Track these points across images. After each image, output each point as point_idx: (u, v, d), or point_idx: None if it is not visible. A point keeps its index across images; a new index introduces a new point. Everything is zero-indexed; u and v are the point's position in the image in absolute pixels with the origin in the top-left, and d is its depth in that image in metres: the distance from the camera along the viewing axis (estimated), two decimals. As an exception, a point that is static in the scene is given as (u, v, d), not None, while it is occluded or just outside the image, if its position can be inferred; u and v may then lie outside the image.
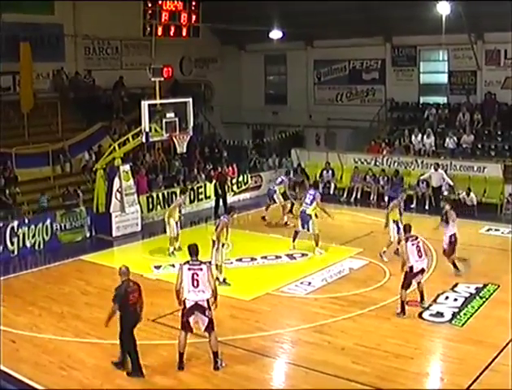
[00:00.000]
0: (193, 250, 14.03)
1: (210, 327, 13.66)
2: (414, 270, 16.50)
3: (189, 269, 13.61)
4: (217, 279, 17.90)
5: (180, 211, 22.58)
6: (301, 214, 22.38)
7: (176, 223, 22.15)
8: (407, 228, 17.23)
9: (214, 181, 29.74)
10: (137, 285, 13.52)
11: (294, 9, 33.11)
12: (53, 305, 14.43)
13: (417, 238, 16.88)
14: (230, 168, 32.10)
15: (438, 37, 30.49)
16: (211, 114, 39.55)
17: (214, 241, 18.76)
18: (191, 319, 13.63)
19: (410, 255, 16.51)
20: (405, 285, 16.50)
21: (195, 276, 13.52)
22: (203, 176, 30.67)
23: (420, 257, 16.66)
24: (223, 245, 18.82)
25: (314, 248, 21.96)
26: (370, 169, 31.49)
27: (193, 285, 13.52)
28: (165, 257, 21.52)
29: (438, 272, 19.72)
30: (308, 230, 22.06)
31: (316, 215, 22.39)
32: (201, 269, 13.62)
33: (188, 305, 13.57)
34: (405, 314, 16.28)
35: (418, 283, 16.95)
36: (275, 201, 26.80)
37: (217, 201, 29.19)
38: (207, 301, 13.64)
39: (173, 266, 20.61)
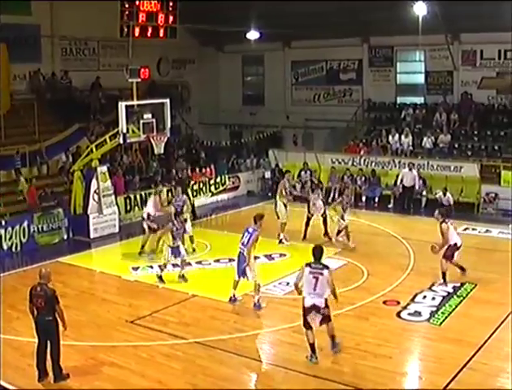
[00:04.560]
0: (318, 253, 14.05)
1: (325, 321, 13.87)
2: (305, 305, 13.81)
3: (311, 272, 13.73)
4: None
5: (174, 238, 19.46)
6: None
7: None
8: (316, 253, 14.09)
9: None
10: (46, 293, 13.05)
11: (271, 10, 33.10)
12: (31, 307, 14.39)
13: (323, 268, 13.84)
14: (208, 169, 32.15)
15: (415, 38, 30.67)
16: (189, 115, 39.59)
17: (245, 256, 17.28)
18: (308, 318, 13.79)
19: (304, 285, 13.89)
20: (303, 323, 13.99)
21: (314, 280, 13.68)
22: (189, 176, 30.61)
23: (315, 290, 13.72)
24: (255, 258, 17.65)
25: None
26: (348, 169, 31.50)
27: (313, 289, 13.68)
28: (143, 259, 21.44)
29: (415, 272, 19.85)
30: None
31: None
32: (322, 273, 13.70)
33: (306, 306, 13.79)
34: (316, 358, 13.88)
35: (323, 323, 13.96)
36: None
37: None
38: (325, 301, 13.76)
39: (151, 267, 20.62)
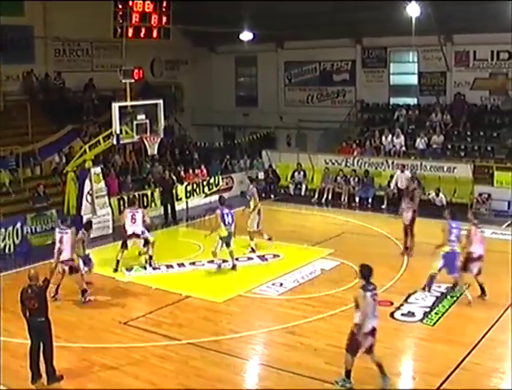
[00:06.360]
0: (368, 273, 12.76)
1: (372, 348, 12.78)
2: (365, 330, 12.57)
3: (372, 295, 12.59)
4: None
5: (84, 248, 18.87)
6: (449, 255, 17.73)
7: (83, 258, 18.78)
8: (366, 273, 12.83)
9: (158, 187, 29.23)
10: (37, 293, 13.01)
11: (264, 11, 33.14)
12: (24, 309, 14.37)
13: (376, 288, 12.82)
14: (201, 170, 32.14)
15: (408, 39, 30.72)
16: (182, 116, 39.55)
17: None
18: (365, 342, 12.61)
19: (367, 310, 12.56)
20: (353, 348, 12.73)
21: (374, 302, 12.69)
22: (174, 178, 30.50)
23: (374, 313, 12.72)
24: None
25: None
26: (341, 170, 31.60)
27: (373, 312, 12.64)
28: (136, 260, 21.36)
29: (409, 272, 19.87)
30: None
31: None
32: (377, 294, 12.81)
33: (366, 330, 12.53)
34: (350, 382, 12.84)
35: (369, 350, 12.83)
36: None
37: (165, 209, 28.44)
38: None
39: (145, 268, 20.62)
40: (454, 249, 17.65)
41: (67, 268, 17.75)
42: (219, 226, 20.27)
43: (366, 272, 12.73)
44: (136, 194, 27.76)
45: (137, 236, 20.68)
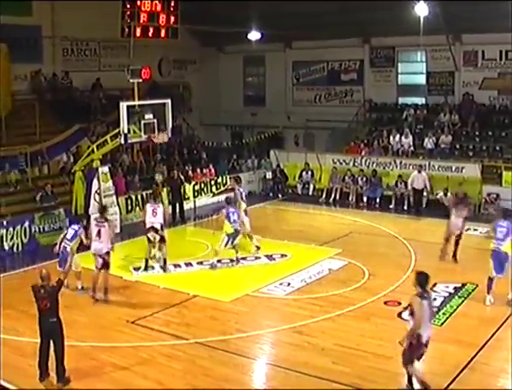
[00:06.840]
0: (425, 281, 12.18)
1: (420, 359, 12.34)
2: (424, 340, 12.07)
3: (429, 304, 12.11)
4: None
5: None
6: (493, 253, 17.30)
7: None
8: (422, 280, 12.23)
9: (165, 186, 28.95)
10: (49, 293, 12.96)
11: (273, 10, 33.12)
12: (31, 308, 14.24)
13: (431, 296, 12.50)
14: (209, 170, 32.16)
15: (416, 38, 30.65)
16: (190, 116, 39.52)
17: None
18: (423, 353, 12.19)
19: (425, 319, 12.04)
20: (412, 358, 12.12)
21: (431, 311, 12.42)
22: (182, 178, 30.51)
23: (429, 322, 12.31)
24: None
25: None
26: (349, 170, 31.56)
27: (429, 320, 12.29)
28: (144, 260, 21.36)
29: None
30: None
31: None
32: (432, 302, 12.54)
33: (425, 341, 12.08)
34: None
35: (419, 359, 12.31)
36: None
37: (173, 208, 28.31)
38: None
39: (152, 267, 20.60)
40: (499, 247, 17.11)
41: (101, 261, 18.09)
42: (224, 223, 20.59)
43: (422, 279, 12.17)
44: (144, 193, 27.78)
45: (156, 230, 20.58)
